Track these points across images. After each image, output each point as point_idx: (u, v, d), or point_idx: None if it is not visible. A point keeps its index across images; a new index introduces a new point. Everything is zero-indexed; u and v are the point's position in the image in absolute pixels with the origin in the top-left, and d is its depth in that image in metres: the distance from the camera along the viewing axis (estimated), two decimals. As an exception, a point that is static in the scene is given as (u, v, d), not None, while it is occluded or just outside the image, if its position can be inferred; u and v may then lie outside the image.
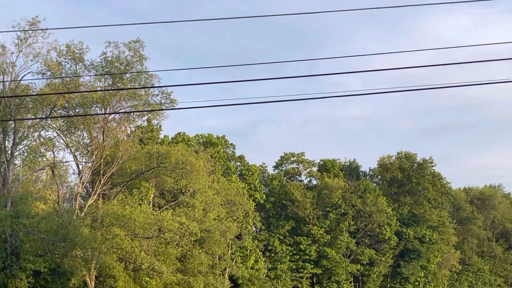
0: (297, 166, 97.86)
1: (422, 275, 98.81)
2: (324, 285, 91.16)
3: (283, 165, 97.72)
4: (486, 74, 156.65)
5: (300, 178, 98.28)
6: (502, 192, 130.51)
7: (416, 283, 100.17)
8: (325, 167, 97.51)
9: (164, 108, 53.97)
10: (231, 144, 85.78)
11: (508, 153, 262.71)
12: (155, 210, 55.88)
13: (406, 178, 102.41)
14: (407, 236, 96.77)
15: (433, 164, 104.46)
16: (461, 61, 23.66)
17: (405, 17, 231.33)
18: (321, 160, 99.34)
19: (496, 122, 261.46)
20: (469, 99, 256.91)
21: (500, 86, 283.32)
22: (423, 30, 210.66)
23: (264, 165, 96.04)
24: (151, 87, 51.46)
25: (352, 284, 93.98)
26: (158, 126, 71.23)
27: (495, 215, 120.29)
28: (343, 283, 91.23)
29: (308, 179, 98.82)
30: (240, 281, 76.46)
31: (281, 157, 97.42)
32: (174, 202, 60.86)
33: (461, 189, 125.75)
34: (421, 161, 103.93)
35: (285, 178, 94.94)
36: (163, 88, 50.20)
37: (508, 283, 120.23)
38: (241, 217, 74.10)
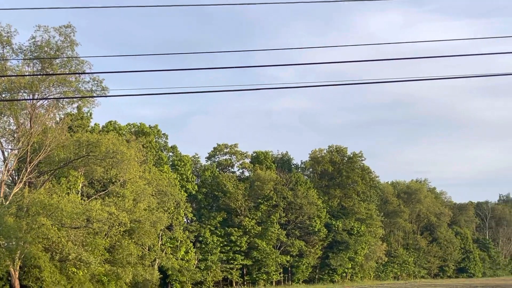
0: (229, 157, 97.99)
1: (350, 266, 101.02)
2: (254, 276, 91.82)
3: (216, 156, 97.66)
4: (416, 71, 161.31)
5: (232, 170, 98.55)
6: (427, 187, 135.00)
7: (344, 274, 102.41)
8: (258, 159, 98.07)
9: (95, 95, 52.90)
10: (163, 134, 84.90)
11: (434, 148, 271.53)
12: (84, 200, 54.73)
13: (336, 172, 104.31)
14: (336, 228, 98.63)
15: (363, 158, 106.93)
16: (392, 58, 24.21)
17: (337, 14, 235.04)
18: (253, 152, 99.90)
19: (423, 118, 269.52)
20: (398, 95, 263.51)
21: (427, 83, 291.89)
22: (355, 27, 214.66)
23: (197, 156, 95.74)
24: (81, 73, 50.21)
25: (282, 275, 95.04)
26: (89, 114, 69.66)
27: (420, 208, 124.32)
28: (273, 274, 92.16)
29: (240, 170, 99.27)
30: (170, 272, 75.93)
31: (214, 148, 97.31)
32: (103, 192, 59.74)
33: (389, 183, 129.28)
34: (351, 155, 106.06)
35: (217, 169, 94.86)
36: (95, 75, 49.20)
37: (431, 275, 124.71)
38: (172, 208, 73.51)
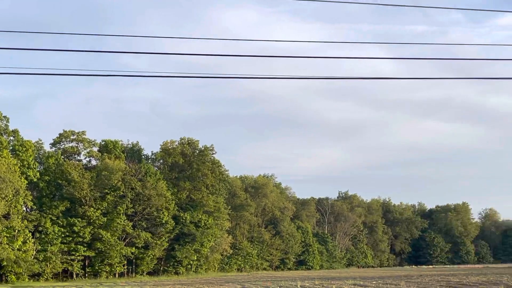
0: (76, 145, 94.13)
1: (195, 258, 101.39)
2: (96, 268, 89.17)
3: (62, 143, 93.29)
4: (268, 68, 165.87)
5: (79, 158, 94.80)
6: (274, 182, 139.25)
7: (189, 266, 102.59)
8: (106, 148, 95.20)
9: None
10: (4, 117, 79.61)
11: (282, 145, 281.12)
12: None
13: (187, 164, 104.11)
14: (183, 221, 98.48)
15: (214, 152, 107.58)
16: (247, 54, 24.28)
17: (194, 6, 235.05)
18: (102, 141, 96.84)
19: (275, 115, 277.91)
20: (253, 91, 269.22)
21: (281, 82, 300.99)
22: (211, 21, 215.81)
23: (40, 142, 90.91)
24: None
25: (125, 267, 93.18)
26: None
27: (266, 203, 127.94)
28: (116, 266, 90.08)
29: (87, 159, 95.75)
30: (5, 263, 71.53)
31: (60, 134, 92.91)
32: None
33: (238, 177, 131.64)
34: (203, 148, 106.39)
35: (62, 156, 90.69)
36: None
37: (273, 267, 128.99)
38: (10, 196, 69.16)
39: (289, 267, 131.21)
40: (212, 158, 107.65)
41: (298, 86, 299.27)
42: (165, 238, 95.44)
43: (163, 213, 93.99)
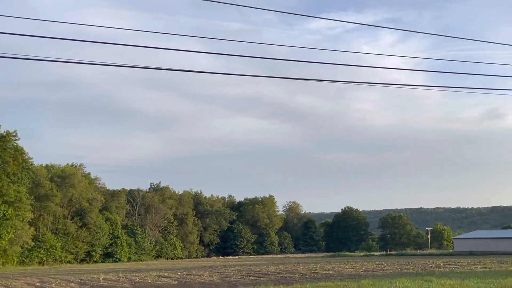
0: None
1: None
2: None
3: None
4: (81, 54, 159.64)
5: None
6: (83, 172, 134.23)
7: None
8: None
9: None
10: None
11: (93, 134, 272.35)
12: None
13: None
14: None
15: (17, 138, 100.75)
16: (56, 36, 22.50)
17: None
18: None
19: (86, 102, 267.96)
20: (62, 76, 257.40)
21: (93, 68, 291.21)
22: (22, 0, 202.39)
23: None
24: None
25: None
26: None
27: (73, 193, 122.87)
28: None
29: None
30: None
31: None
32: None
33: (44, 165, 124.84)
34: (4, 134, 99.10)
35: None
36: None
37: (78, 260, 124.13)
38: None
39: (95, 260, 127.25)
40: (15, 144, 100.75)
41: (113, 74, 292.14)
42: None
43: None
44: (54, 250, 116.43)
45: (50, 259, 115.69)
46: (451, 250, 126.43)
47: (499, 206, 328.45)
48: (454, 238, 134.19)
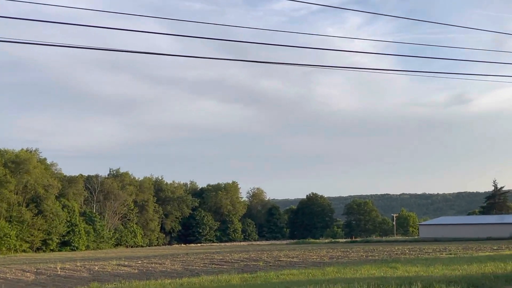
0: None
1: None
2: None
3: None
4: (40, 35, 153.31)
5: None
6: (38, 157, 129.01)
7: None
8: None
9: None
10: None
11: (49, 118, 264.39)
12: None
13: None
14: None
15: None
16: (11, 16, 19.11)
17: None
18: None
19: (40, 85, 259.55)
20: (17, 57, 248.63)
21: (51, 49, 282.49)
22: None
23: None
24: None
25: None
26: None
27: (28, 179, 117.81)
28: None
29: None
30: None
31: None
32: None
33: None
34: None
35: None
36: None
37: (34, 249, 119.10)
38: None
39: (52, 248, 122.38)
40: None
41: (70, 55, 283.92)
42: None
43: None
44: (8, 239, 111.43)
45: (4, 248, 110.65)
46: (416, 237, 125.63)
47: (464, 192, 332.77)
48: (419, 225, 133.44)
